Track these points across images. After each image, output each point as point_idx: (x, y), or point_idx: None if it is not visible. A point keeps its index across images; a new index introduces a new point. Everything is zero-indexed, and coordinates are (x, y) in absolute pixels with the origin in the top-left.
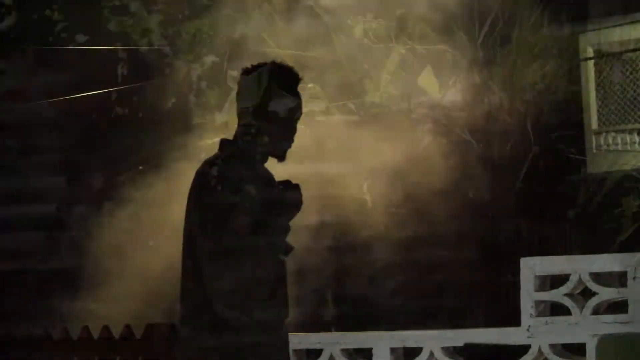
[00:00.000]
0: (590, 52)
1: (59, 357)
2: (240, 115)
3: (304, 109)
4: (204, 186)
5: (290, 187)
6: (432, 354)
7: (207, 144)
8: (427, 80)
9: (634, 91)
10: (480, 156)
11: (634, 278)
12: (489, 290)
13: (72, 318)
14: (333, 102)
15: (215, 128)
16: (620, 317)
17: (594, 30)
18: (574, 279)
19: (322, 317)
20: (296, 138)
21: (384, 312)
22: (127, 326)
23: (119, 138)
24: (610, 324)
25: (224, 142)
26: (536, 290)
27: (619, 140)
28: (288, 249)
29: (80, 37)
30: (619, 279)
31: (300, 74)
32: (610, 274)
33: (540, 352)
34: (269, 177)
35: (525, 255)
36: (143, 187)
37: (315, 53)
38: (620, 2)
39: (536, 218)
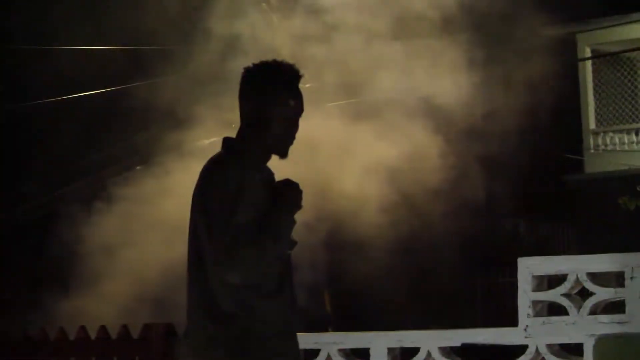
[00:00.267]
0: (588, 52)
1: (56, 358)
2: (243, 113)
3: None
4: (208, 185)
5: (290, 186)
6: (429, 353)
7: (205, 144)
8: (425, 79)
9: (632, 91)
10: (477, 155)
11: (632, 278)
12: (486, 289)
13: (64, 317)
14: (330, 101)
15: (213, 127)
16: (618, 317)
17: (592, 30)
18: (571, 279)
19: (316, 314)
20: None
21: (377, 310)
22: (124, 326)
23: (114, 136)
24: (607, 324)
25: (227, 141)
26: (533, 290)
27: (616, 140)
28: (292, 244)
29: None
30: (617, 279)
31: (302, 72)
32: (607, 274)
33: (537, 352)
34: (271, 175)
35: (522, 255)
36: (142, 185)
37: (312, 51)
38: (618, 2)
39: (533, 218)
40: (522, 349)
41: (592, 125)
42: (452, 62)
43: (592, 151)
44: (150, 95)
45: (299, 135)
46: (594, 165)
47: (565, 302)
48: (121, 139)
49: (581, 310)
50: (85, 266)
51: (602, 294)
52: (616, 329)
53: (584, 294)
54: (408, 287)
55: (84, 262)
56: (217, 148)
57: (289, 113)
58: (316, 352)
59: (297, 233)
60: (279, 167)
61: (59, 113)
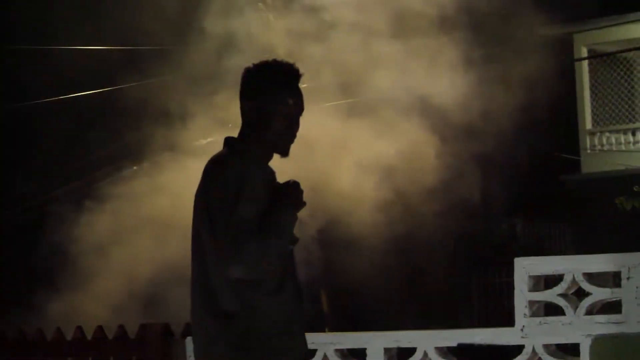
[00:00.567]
0: (584, 52)
1: (53, 358)
2: (244, 112)
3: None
4: (210, 183)
5: (292, 185)
6: (425, 354)
7: (202, 144)
8: (421, 78)
9: (628, 91)
10: (473, 155)
11: (628, 278)
12: (483, 289)
13: (57, 317)
14: (326, 101)
15: (210, 127)
16: (614, 317)
17: (588, 30)
18: (567, 279)
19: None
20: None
21: (373, 309)
22: (121, 326)
23: (109, 136)
24: (604, 324)
25: (228, 140)
26: (530, 290)
27: (613, 140)
28: (294, 240)
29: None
30: (613, 279)
31: (302, 70)
32: (604, 274)
33: (534, 352)
34: (272, 173)
35: (519, 255)
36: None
37: (308, 50)
38: (615, 2)
39: (530, 218)
40: (519, 349)
41: (589, 125)
42: (448, 61)
43: (589, 151)
44: (147, 95)
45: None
46: (591, 165)
47: (561, 302)
48: (116, 138)
49: (578, 310)
50: (79, 265)
51: (599, 294)
52: (613, 329)
53: (581, 294)
54: (404, 287)
55: (78, 261)
56: (215, 148)
57: (289, 111)
58: (313, 352)
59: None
60: (274, 166)
61: (54, 113)
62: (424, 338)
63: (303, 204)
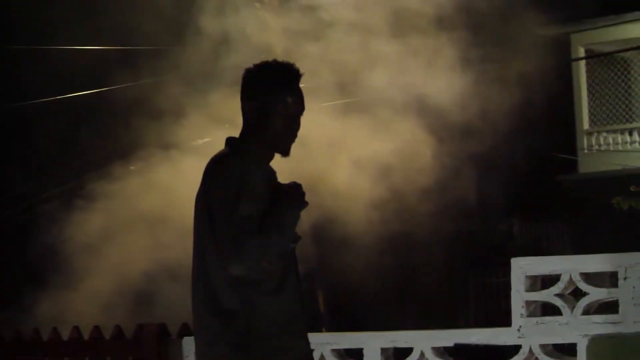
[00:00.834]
0: (582, 52)
1: (50, 358)
2: (245, 112)
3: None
4: (211, 181)
5: (294, 187)
6: (422, 354)
7: (199, 144)
8: (418, 78)
9: (625, 91)
10: (470, 155)
11: (625, 278)
12: (480, 290)
13: (49, 316)
14: (323, 100)
15: (206, 126)
16: (611, 317)
17: (586, 30)
18: (564, 279)
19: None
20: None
21: (369, 309)
22: (117, 326)
23: (106, 135)
24: (601, 324)
25: (229, 140)
26: (527, 291)
27: (610, 140)
28: (295, 239)
29: None
30: (610, 279)
31: (302, 70)
32: (601, 274)
33: (531, 352)
34: (273, 173)
35: (516, 255)
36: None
37: (305, 50)
38: (612, 2)
39: (527, 218)
40: (516, 349)
41: (586, 125)
42: (445, 61)
43: (586, 151)
44: (143, 95)
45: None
46: (588, 165)
47: (558, 302)
48: (111, 138)
49: (574, 310)
50: (71, 265)
51: (596, 294)
52: (609, 329)
53: (578, 294)
54: (401, 287)
55: (71, 260)
56: (211, 147)
57: (290, 111)
58: None
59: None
60: (273, 166)
61: (51, 113)
62: (421, 338)
63: (305, 204)
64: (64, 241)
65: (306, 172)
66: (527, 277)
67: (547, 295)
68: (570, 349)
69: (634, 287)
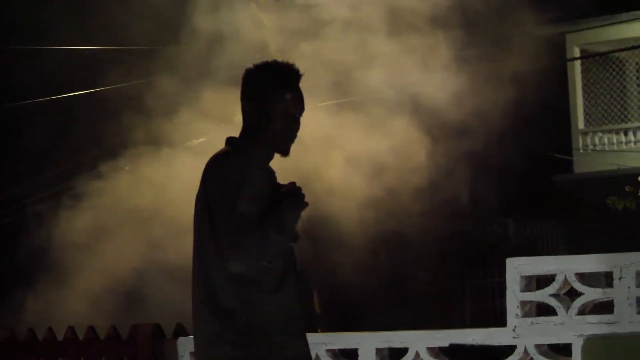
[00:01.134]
0: (577, 52)
1: (45, 358)
2: (245, 112)
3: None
4: (210, 179)
5: (293, 188)
6: (417, 354)
7: (193, 144)
8: (413, 77)
9: (621, 91)
10: (465, 155)
11: (620, 278)
12: (475, 290)
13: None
14: (319, 100)
15: (199, 124)
16: (606, 317)
17: (581, 30)
18: (559, 279)
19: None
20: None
21: (364, 309)
22: (112, 326)
23: (98, 135)
24: (596, 325)
25: (230, 139)
26: (522, 291)
27: (605, 140)
28: (294, 237)
29: None
30: (605, 280)
31: (302, 71)
32: (596, 274)
33: (526, 352)
34: (272, 173)
35: (511, 255)
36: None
37: (301, 50)
38: (607, 2)
39: (522, 218)
40: (511, 349)
41: (581, 125)
42: (440, 60)
43: (581, 151)
44: (135, 94)
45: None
46: (583, 165)
47: (553, 302)
48: (103, 138)
49: (570, 310)
50: (61, 265)
51: (591, 294)
52: (604, 329)
53: (573, 294)
54: (396, 287)
55: (60, 260)
56: (205, 147)
57: (290, 111)
58: None
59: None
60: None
61: (44, 113)
62: (416, 338)
63: (305, 204)
64: (54, 241)
65: (300, 170)
66: (522, 277)
67: (542, 295)
68: (566, 349)
69: (629, 288)
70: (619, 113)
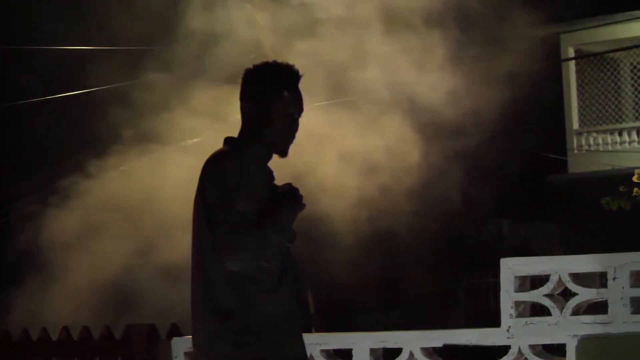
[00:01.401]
0: (571, 52)
1: (39, 358)
2: (244, 113)
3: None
4: (208, 178)
5: (290, 188)
6: (411, 354)
7: (188, 144)
8: (409, 77)
9: (615, 91)
10: (460, 155)
11: (614, 279)
12: (469, 290)
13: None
14: (314, 101)
15: (191, 123)
16: (600, 317)
17: (575, 30)
18: (553, 279)
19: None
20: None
21: (358, 309)
22: (107, 327)
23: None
24: (590, 325)
25: (228, 139)
26: (516, 291)
27: (600, 140)
28: (292, 237)
29: None
30: (600, 280)
31: (301, 72)
32: (590, 274)
33: (520, 352)
34: (270, 173)
35: (506, 255)
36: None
37: (297, 45)
38: (601, 3)
39: (517, 218)
40: (505, 349)
41: (576, 125)
42: (434, 60)
43: (576, 151)
44: (130, 95)
45: None
46: (578, 165)
47: (547, 302)
48: (95, 137)
49: (564, 310)
50: (49, 265)
51: (585, 294)
52: (599, 330)
53: (567, 294)
54: (390, 287)
55: (48, 260)
56: (201, 148)
57: (289, 112)
58: None
59: None
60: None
61: (38, 114)
62: (410, 339)
63: (303, 205)
64: (43, 241)
65: (294, 167)
66: (516, 277)
67: (536, 295)
68: (560, 349)
69: (623, 288)
70: (614, 113)
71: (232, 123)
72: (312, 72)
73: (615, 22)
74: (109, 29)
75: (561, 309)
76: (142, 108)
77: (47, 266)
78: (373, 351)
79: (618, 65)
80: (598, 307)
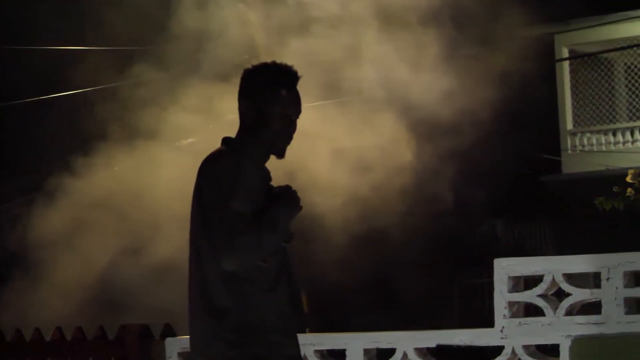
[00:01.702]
0: (565, 52)
1: (32, 359)
2: (242, 113)
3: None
4: (205, 177)
5: (287, 189)
6: (405, 354)
7: (182, 144)
8: (402, 76)
9: (609, 92)
10: (453, 155)
11: (608, 279)
12: (463, 290)
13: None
14: (309, 101)
15: (184, 122)
16: (594, 318)
17: (569, 30)
18: (547, 279)
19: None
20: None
21: (352, 309)
22: (100, 327)
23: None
24: (583, 325)
25: (225, 139)
26: (510, 291)
27: (594, 140)
28: (289, 237)
29: None
30: (593, 280)
31: (300, 73)
32: (584, 274)
33: (513, 353)
34: (268, 173)
35: (500, 256)
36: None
37: (291, 44)
38: (596, 3)
39: (510, 218)
40: (499, 350)
41: (570, 125)
42: (428, 60)
43: (570, 152)
44: (122, 94)
45: None
46: (572, 165)
47: (541, 303)
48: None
49: (557, 311)
50: (36, 264)
51: (579, 294)
52: (592, 330)
53: (561, 294)
54: (383, 287)
55: (35, 260)
56: (195, 148)
57: (287, 113)
58: None
59: None
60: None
61: (32, 114)
62: (404, 339)
63: (300, 207)
64: (31, 241)
65: (286, 166)
66: (510, 277)
67: (530, 296)
68: (553, 349)
69: (616, 288)
70: (607, 114)
71: (224, 121)
72: (305, 71)
73: (609, 23)
74: (100, 28)
75: (555, 309)
76: (133, 106)
77: (37, 266)
78: (366, 351)
79: (612, 66)
80: (592, 308)
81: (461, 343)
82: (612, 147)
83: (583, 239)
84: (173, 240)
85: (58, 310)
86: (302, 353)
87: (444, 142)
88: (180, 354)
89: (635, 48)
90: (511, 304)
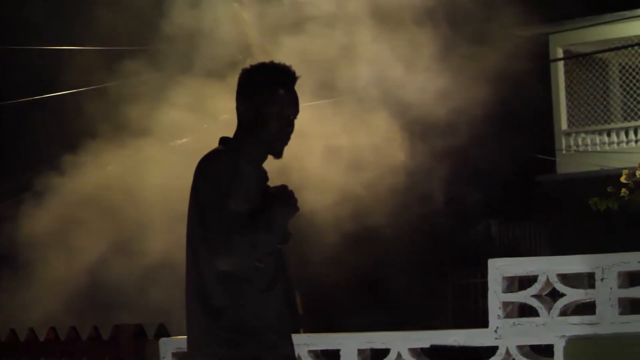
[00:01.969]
0: (560, 52)
1: (26, 359)
2: (240, 113)
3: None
4: (201, 176)
5: (285, 190)
6: (399, 355)
7: (177, 144)
8: (397, 76)
9: (604, 92)
10: (448, 155)
11: (602, 279)
12: (457, 290)
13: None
14: (305, 100)
15: (178, 121)
16: (588, 318)
17: (564, 31)
18: (541, 280)
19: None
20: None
21: (346, 310)
22: (94, 327)
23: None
24: (577, 325)
25: (223, 139)
26: (504, 292)
27: (588, 141)
28: (286, 237)
29: None
30: (588, 280)
31: (298, 73)
32: (578, 275)
33: (507, 353)
34: (265, 173)
35: (494, 256)
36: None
37: (285, 43)
38: (590, 3)
39: (505, 218)
40: (493, 350)
41: (564, 126)
42: (422, 60)
43: (564, 152)
44: (116, 93)
45: None
46: (566, 166)
47: (535, 303)
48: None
49: (551, 311)
50: (32, 263)
51: (573, 295)
52: (586, 330)
53: (555, 295)
54: (377, 287)
55: (28, 259)
56: (190, 148)
57: (285, 113)
58: None
59: None
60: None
61: (27, 114)
62: (398, 339)
63: (297, 208)
64: (21, 241)
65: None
66: (504, 278)
67: (524, 296)
68: (547, 350)
69: (610, 289)
70: (602, 114)
71: (217, 120)
72: (299, 70)
73: (604, 23)
74: (93, 27)
75: (549, 309)
76: (124, 105)
77: (31, 266)
78: (361, 352)
79: (606, 66)
80: (586, 308)
81: (455, 343)
82: (607, 148)
83: (577, 239)
84: (166, 240)
85: (52, 310)
86: (296, 353)
87: (438, 142)
88: (174, 354)
89: (629, 48)
90: (505, 304)
